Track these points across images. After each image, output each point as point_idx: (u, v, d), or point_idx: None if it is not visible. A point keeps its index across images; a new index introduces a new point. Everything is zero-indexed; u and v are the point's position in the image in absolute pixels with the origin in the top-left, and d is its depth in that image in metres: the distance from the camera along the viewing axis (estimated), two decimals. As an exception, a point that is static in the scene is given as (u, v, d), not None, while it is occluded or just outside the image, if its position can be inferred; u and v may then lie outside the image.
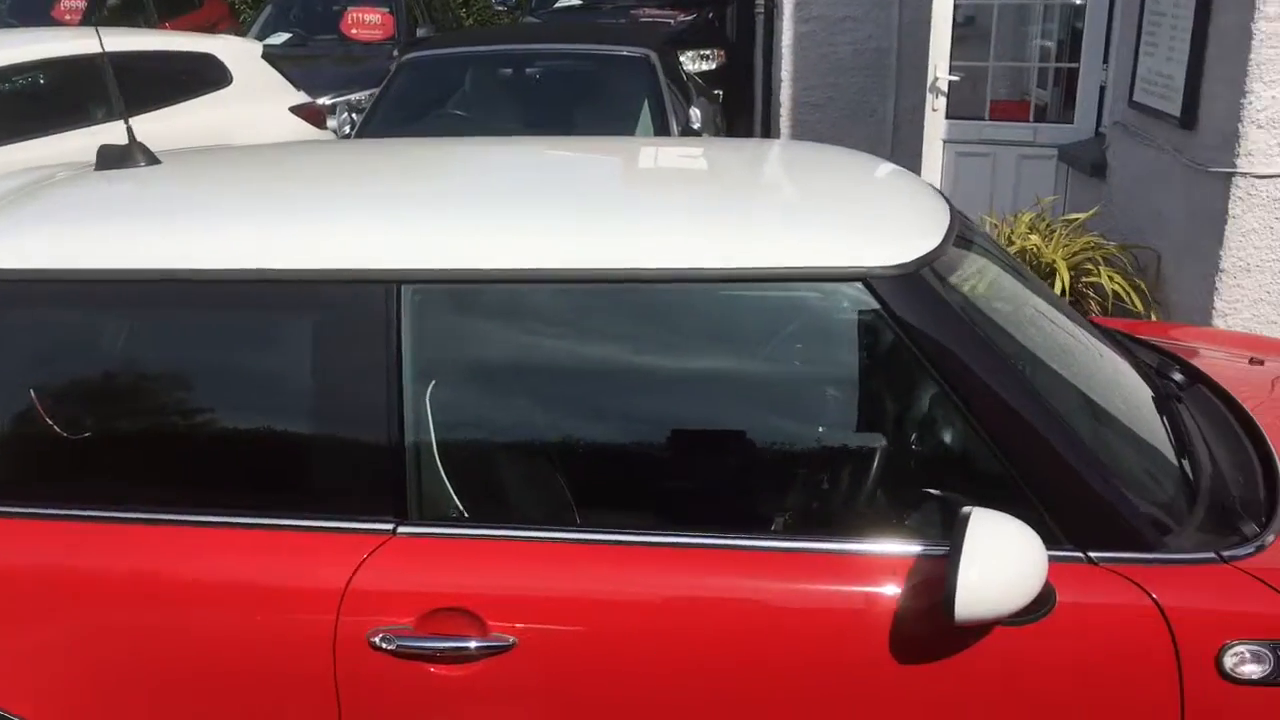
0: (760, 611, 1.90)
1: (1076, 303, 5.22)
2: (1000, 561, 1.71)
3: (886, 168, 2.59)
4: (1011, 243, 5.42)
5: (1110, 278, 5.19)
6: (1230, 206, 4.65)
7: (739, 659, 1.88)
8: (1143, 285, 5.25)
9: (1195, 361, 2.73)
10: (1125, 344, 2.71)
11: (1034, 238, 5.38)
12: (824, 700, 1.89)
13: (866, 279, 1.94)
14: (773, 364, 2.14)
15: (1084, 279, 5.28)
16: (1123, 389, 2.31)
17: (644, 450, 2.13)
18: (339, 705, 1.91)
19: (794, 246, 2.00)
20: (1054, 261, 5.20)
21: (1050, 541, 1.88)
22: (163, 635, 1.94)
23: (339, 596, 1.89)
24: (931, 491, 2.01)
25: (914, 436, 2.09)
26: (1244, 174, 4.60)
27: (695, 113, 5.94)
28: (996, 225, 5.65)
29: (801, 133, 8.46)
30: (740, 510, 2.09)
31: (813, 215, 2.17)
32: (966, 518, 1.75)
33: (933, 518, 2.02)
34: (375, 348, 1.94)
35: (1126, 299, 5.14)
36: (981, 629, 1.83)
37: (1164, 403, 2.35)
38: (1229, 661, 1.82)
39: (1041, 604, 1.84)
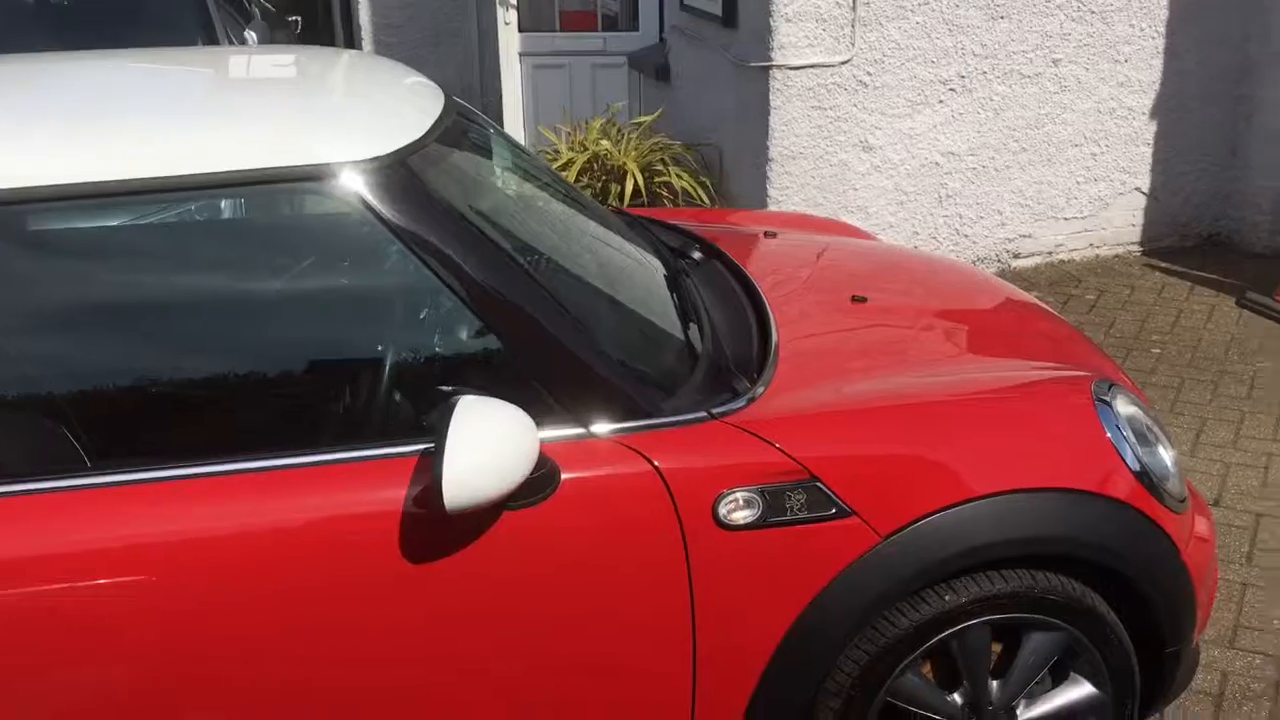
0: (268, 538, 1.80)
1: (653, 202, 5.41)
2: (486, 445, 1.70)
3: (386, 66, 2.50)
4: (585, 148, 5.52)
5: (679, 176, 5.41)
6: (771, 99, 4.95)
7: (253, 592, 1.78)
8: (709, 181, 5.51)
9: (717, 241, 2.86)
10: (647, 229, 2.80)
11: (605, 142, 5.51)
12: (350, 617, 1.83)
13: (344, 172, 1.86)
14: (264, 271, 2.02)
15: (656, 179, 5.47)
16: (631, 270, 2.37)
17: (129, 381, 1.94)
18: None
19: (268, 146, 1.88)
20: (625, 164, 5.34)
21: (554, 421, 1.91)
22: None
23: None
24: (443, 388, 1.97)
25: (420, 334, 2.05)
26: (779, 66, 4.89)
27: (251, 35, 5.58)
28: (570, 133, 5.73)
29: (383, 55, 8.23)
30: (249, 433, 1.96)
31: (293, 115, 2.06)
32: (451, 406, 1.73)
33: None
34: None
35: (695, 195, 5.39)
36: (486, 516, 1.83)
37: (673, 279, 2.45)
38: (723, 510, 1.93)
39: (544, 484, 1.86)
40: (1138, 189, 5.59)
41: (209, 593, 1.78)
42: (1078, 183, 5.49)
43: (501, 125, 6.81)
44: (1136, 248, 5.69)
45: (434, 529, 1.83)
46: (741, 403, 2.06)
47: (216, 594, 1.78)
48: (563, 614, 1.92)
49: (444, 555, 1.84)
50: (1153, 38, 5.32)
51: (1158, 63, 5.37)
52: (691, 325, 2.28)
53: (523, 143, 6.62)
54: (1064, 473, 2.11)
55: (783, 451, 1.97)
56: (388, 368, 1.98)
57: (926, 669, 2.18)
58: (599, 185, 5.46)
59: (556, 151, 5.63)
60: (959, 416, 2.14)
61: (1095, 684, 2.21)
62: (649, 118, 5.79)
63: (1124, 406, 2.27)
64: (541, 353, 1.91)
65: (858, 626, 2.04)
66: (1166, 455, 2.30)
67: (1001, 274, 5.32)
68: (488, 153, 2.37)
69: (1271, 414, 4.07)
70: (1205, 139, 5.57)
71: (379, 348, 2.00)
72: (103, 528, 1.76)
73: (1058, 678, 2.24)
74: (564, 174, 5.39)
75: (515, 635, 1.91)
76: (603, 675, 1.99)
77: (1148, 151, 5.52)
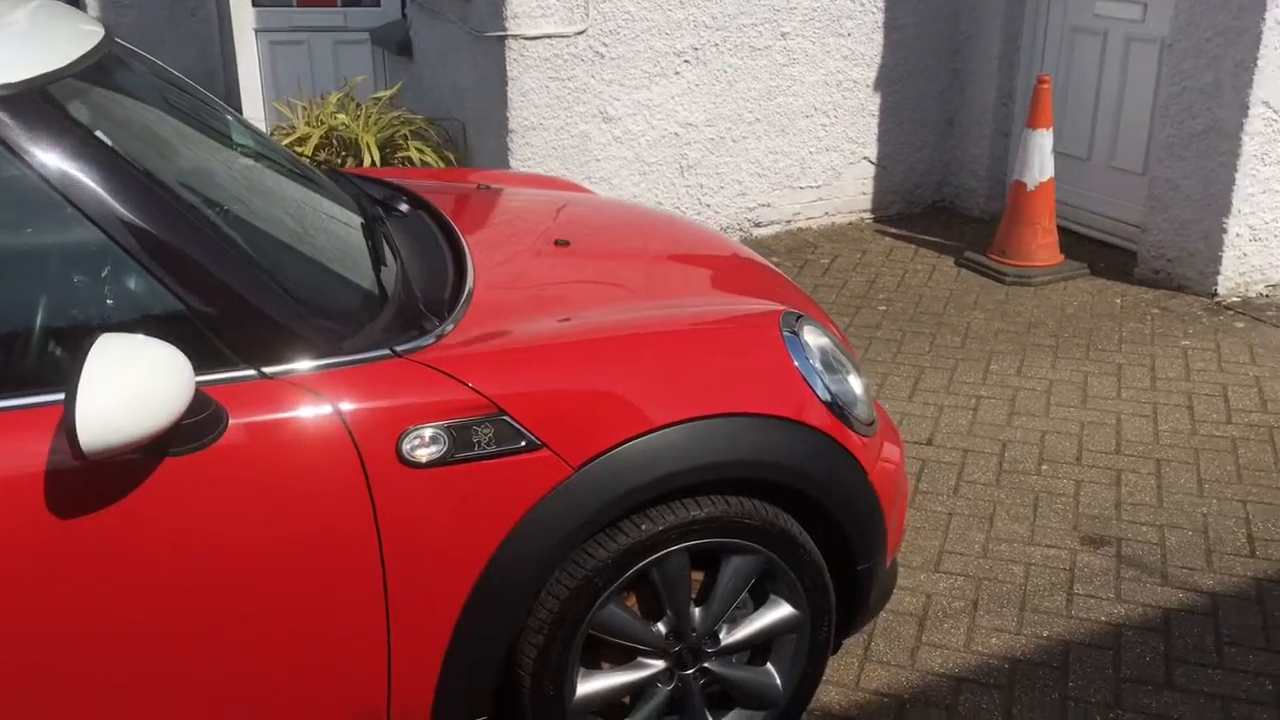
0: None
1: (395, 178, 5.29)
2: (126, 382, 1.60)
3: (50, 6, 2.32)
4: (322, 123, 5.36)
5: (420, 150, 5.31)
6: (508, 69, 4.92)
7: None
8: (452, 156, 5.44)
9: (429, 195, 2.81)
10: (352, 183, 2.73)
11: (342, 116, 5.36)
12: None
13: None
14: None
15: (398, 153, 5.36)
16: (316, 218, 2.30)
17: None
18: None
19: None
20: (361, 138, 5.21)
21: (220, 363, 1.83)
22: None
23: None
24: (107, 334, 1.84)
25: (69, 274, 1.91)
26: (514, 36, 4.87)
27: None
28: (306, 108, 5.55)
29: (119, 35, 7.74)
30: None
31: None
32: (90, 344, 1.62)
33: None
34: None
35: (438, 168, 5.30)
36: (143, 464, 1.73)
37: (369, 227, 2.38)
38: (407, 447, 1.88)
39: (209, 428, 1.77)
40: (866, 158, 5.86)
41: None
42: (811, 153, 5.71)
43: (240, 104, 6.53)
44: (868, 215, 5.96)
45: (86, 481, 1.71)
46: (429, 340, 2.02)
47: None
48: (239, 569, 1.83)
49: (99, 508, 1.72)
50: (873, 12, 5.58)
51: (879, 37, 5.64)
52: (383, 271, 2.23)
53: (261, 122, 6.37)
54: (753, 399, 2.17)
55: (469, 386, 1.94)
56: (37, 311, 1.84)
57: (630, 601, 2.20)
58: (337, 160, 5.31)
59: (293, 127, 5.44)
60: (647, 348, 2.17)
61: (793, 604, 2.28)
62: (389, 92, 5.67)
63: (812, 337, 2.36)
64: (202, 293, 1.81)
65: (555, 561, 2.04)
66: (855, 383, 2.40)
67: (744, 242, 5.48)
68: (159, 98, 2.24)
69: (981, 362, 4.34)
70: (925, 110, 5.90)
71: (24, 289, 1.86)
72: None
73: (758, 601, 2.31)
74: (300, 149, 5.21)
75: (187, 594, 1.81)
76: (286, 635, 1.91)
77: (874, 122, 5.80)
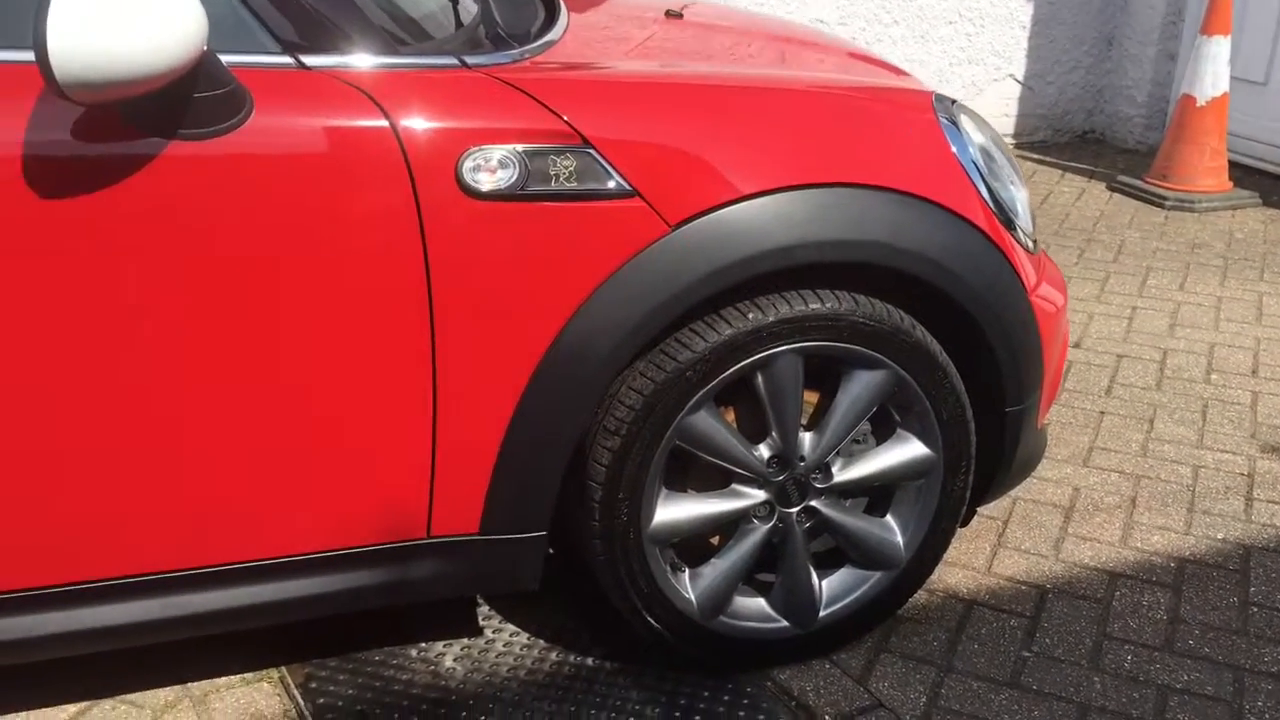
0: None
1: None
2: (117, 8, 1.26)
3: None
4: None
5: None
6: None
7: None
8: None
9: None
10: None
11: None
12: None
13: None
14: None
15: None
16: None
17: None
18: None
19: None
20: None
21: (254, 45, 1.50)
22: None
23: None
24: None
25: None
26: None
27: None
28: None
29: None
30: None
31: None
32: None
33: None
34: None
35: None
36: (148, 144, 1.40)
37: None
38: (468, 169, 1.52)
39: (229, 109, 1.43)
40: (1011, 75, 5.35)
41: None
42: (950, 64, 5.23)
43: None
44: (1009, 139, 5.46)
45: (80, 157, 1.39)
46: (505, 58, 1.67)
47: None
48: (241, 296, 1.49)
49: (91, 190, 1.40)
50: (1032, -90, 5.08)
51: (1037, -62, 5.14)
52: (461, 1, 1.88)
53: None
54: (897, 175, 1.76)
55: (549, 109, 1.57)
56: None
57: (729, 418, 1.82)
58: None
59: None
60: (767, 102, 1.77)
61: (925, 441, 1.87)
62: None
63: (973, 130, 1.94)
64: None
65: (640, 343, 1.66)
66: (1018, 192, 1.98)
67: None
68: None
69: (1137, 276, 3.83)
70: (1082, 25, 5.36)
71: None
72: None
73: (880, 437, 1.91)
74: None
75: (173, 310, 1.48)
76: (298, 401, 1.56)
77: (1023, 35, 5.29)
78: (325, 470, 1.61)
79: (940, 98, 1.95)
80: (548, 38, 1.80)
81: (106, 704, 1.80)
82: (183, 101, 1.40)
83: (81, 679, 1.84)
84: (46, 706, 1.79)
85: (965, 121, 1.93)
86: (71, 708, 1.79)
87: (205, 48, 1.35)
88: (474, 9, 1.83)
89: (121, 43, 1.25)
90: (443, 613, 2.03)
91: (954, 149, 1.85)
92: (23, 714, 1.77)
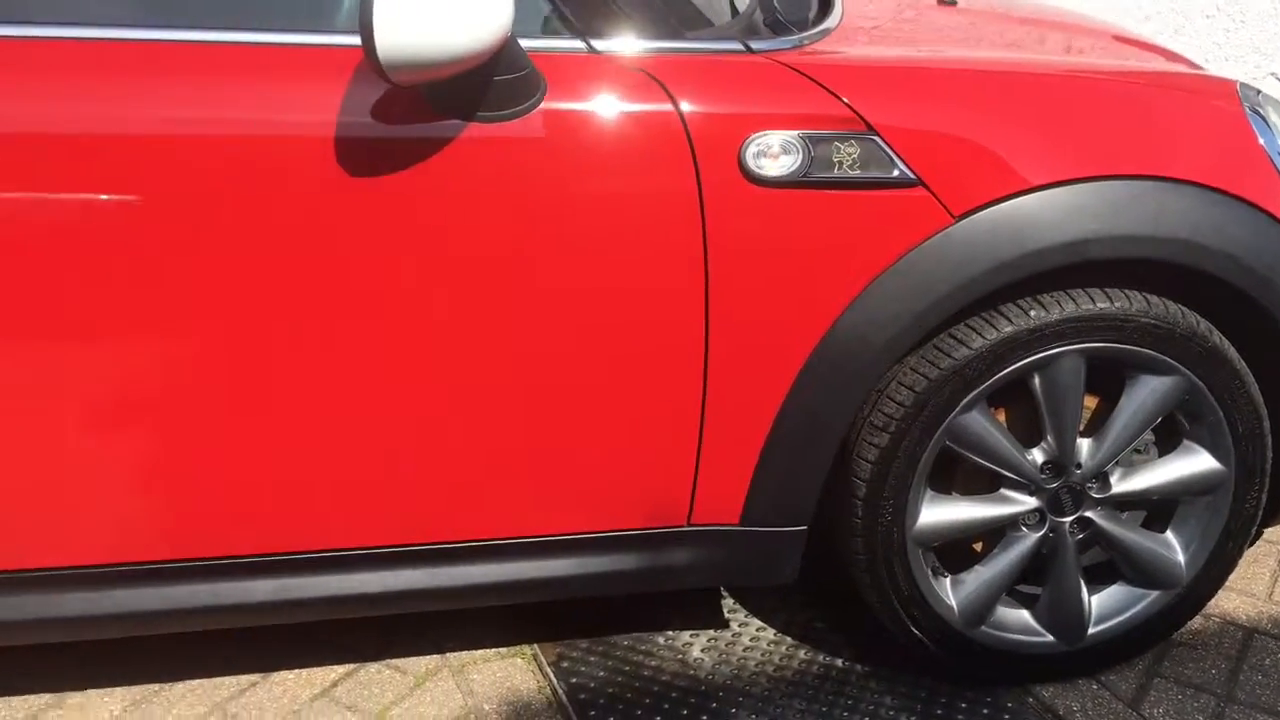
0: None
1: None
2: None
3: None
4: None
5: None
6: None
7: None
8: None
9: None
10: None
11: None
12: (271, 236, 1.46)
13: None
14: None
15: None
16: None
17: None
18: None
19: None
20: None
21: (546, 28, 1.53)
22: None
23: None
24: None
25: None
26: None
27: None
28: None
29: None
30: None
31: None
32: None
33: None
34: None
35: None
36: (451, 126, 1.44)
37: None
38: (751, 155, 1.50)
39: (523, 93, 1.46)
40: (1274, 75, 4.98)
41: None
42: (1206, 60, 4.91)
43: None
44: (1268, 142, 5.09)
45: (378, 141, 1.45)
46: (787, 43, 1.64)
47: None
48: (525, 273, 1.51)
49: (392, 172, 1.45)
50: (1307, -104, 4.72)
51: (1310, -75, 4.77)
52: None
53: None
54: (1199, 168, 1.65)
55: (834, 95, 1.54)
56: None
57: (1001, 418, 1.75)
58: None
59: None
60: (1066, 88, 1.68)
61: (1216, 455, 1.75)
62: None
63: None
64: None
65: (917, 336, 1.61)
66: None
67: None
68: None
69: None
70: (1358, 20, 4.95)
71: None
72: None
73: (1164, 449, 1.79)
74: None
75: (471, 298, 1.51)
76: (569, 380, 1.58)
77: (1290, 30, 4.92)
78: (596, 452, 1.63)
79: (1245, 86, 1.82)
80: (825, 25, 1.76)
81: (372, 667, 1.88)
82: (484, 83, 1.43)
83: (349, 643, 1.92)
84: (318, 665, 1.87)
85: (1272, 112, 1.80)
86: (340, 668, 1.87)
87: (511, 21, 1.38)
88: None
89: (443, 24, 1.29)
90: (687, 602, 2.03)
91: (1261, 141, 1.72)
92: (295, 671, 1.86)
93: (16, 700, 1.78)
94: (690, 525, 1.71)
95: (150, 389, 1.49)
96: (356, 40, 1.44)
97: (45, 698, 1.79)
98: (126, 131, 1.40)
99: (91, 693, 1.80)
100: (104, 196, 1.40)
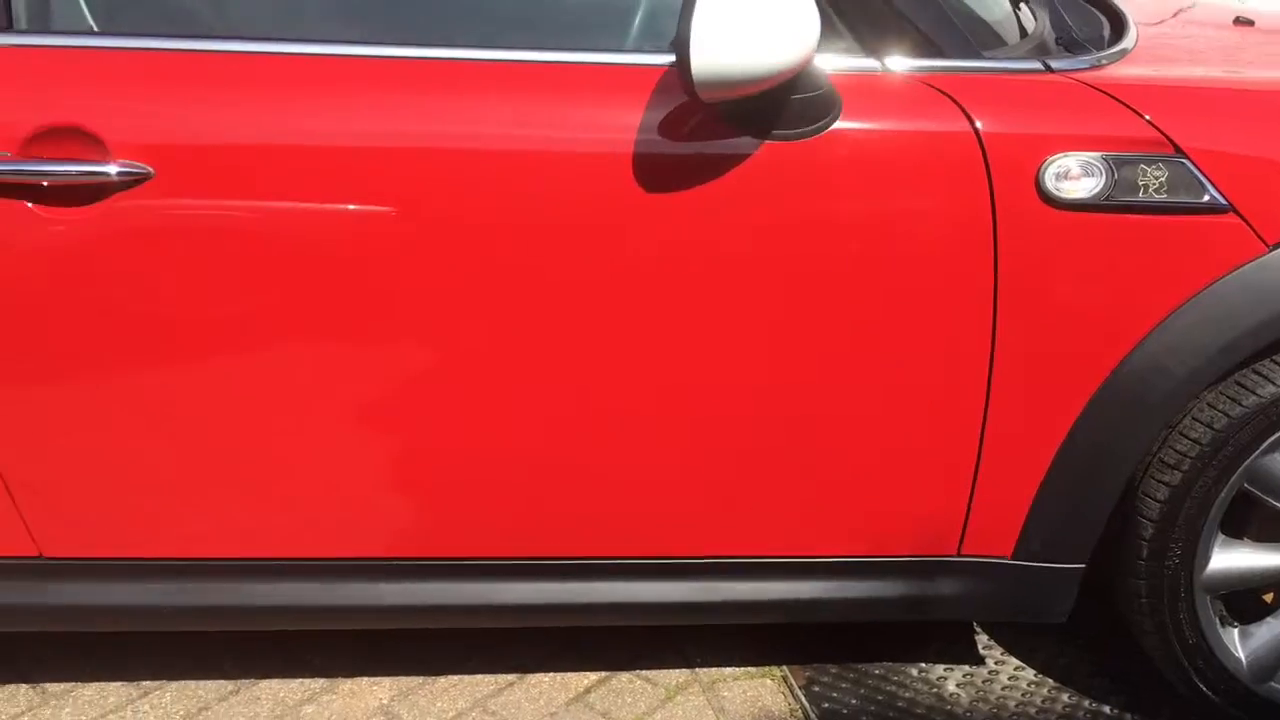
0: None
1: None
2: (748, 8, 1.30)
3: None
4: None
5: None
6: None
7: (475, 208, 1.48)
8: None
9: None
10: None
11: None
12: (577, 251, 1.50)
13: None
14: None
15: None
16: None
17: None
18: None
19: None
20: None
21: (839, 48, 1.52)
22: None
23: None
24: None
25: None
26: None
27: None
28: None
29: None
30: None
31: None
32: None
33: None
34: None
35: None
36: (748, 143, 1.45)
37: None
38: (1051, 177, 1.46)
39: (818, 111, 1.46)
40: None
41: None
42: None
43: None
44: None
45: (675, 157, 1.47)
46: (1086, 63, 1.59)
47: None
48: (813, 292, 1.51)
49: (686, 187, 1.47)
50: None
51: None
52: (1024, 8, 1.82)
53: None
54: None
55: (1140, 115, 1.48)
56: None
57: (1304, 462, 1.64)
58: None
59: None
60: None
61: None
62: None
63: None
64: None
65: (1218, 370, 1.53)
66: None
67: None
68: None
69: None
70: None
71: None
72: None
73: None
74: None
75: (747, 307, 1.51)
76: (852, 401, 1.56)
77: None
78: (869, 475, 1.61)
79: None
80: (1122, 45, 1.69)
81: (624, 676, 1.90)
82: (782, 101, 1.43)
83: (601, 651, 1.94)
84: (572, 670, 1.91)
85: None
86: (593, 675, 1.90)
87: (817, 42, 1.38)
88: (1041, 15, 1.76)
89: (756, 43, 1.30)
90: (938, 634, 1.97)
91: None
92: (550, 674, 1.90)
93: (294, 683, 1.88)
94: (960, 555, 1.66)
95: (474, 393, 1.54)
96: (644, 59, 1.48)
97: (320, 682, 1.88)
98: (443, 146, 1.46)
99: (362, 680, 1.89)
100: (423, 206, 1.47)
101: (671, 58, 1.45)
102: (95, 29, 1.53)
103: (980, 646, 1.96)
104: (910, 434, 1.58)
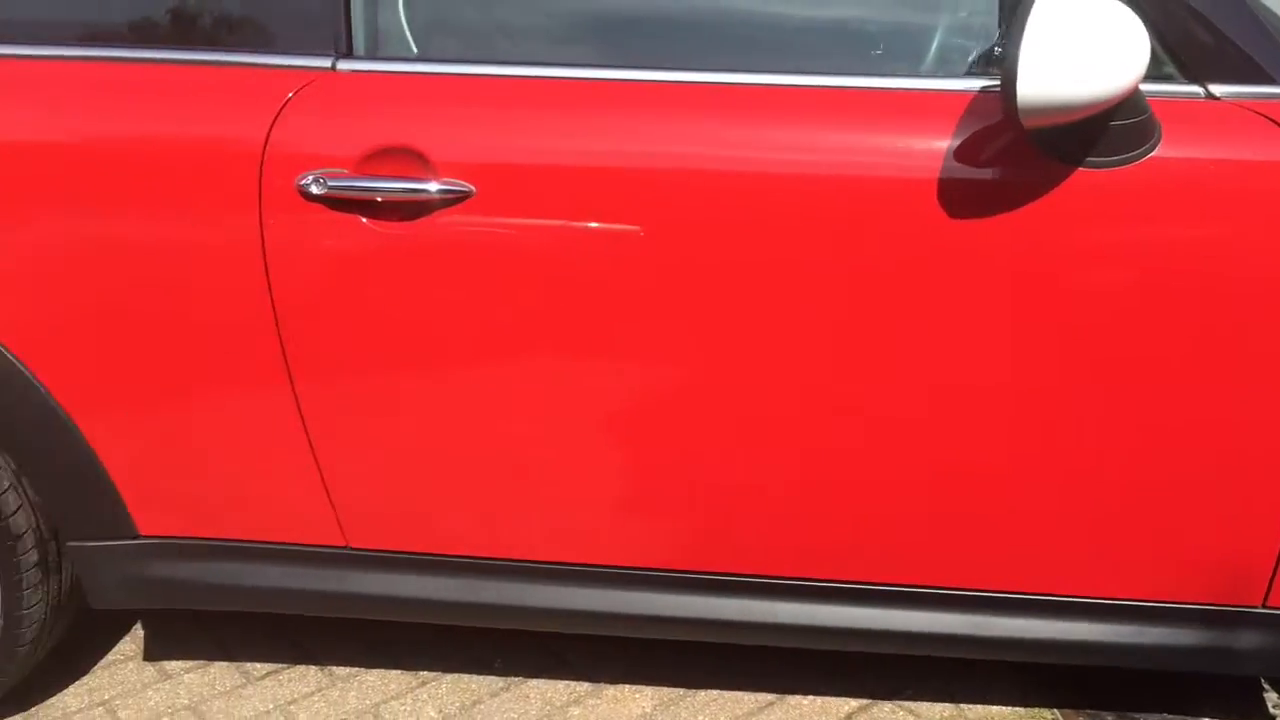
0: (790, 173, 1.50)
1: None
2: (1076, 32, 1.28)
3: None
4: None
5: None
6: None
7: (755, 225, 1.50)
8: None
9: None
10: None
11: None
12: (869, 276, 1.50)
13: None
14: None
15: None
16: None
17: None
18: (266, 268, 1.59)
19: None
20: None
21: (1162, 75, 1.46)
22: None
23: (263, 140, 1.56)
24: None
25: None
26: None
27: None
28: None
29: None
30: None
31: None
32: None
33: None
34: None
35: None
36: (1065, 171, 1.41)
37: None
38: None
39: (1137, 138, 1.41)
40: None
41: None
42: None
43: None
44: None
45: (979, 183, 1.45)
46: None
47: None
48: (1143, 329, 1.46)
49: (986, 215, 1.44)
50: None
51: None
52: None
53: None
54: None
55: None
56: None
57: None
58: None
59: None
60: None
61: None
62: None
63: None
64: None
65: None
66: None
67: None
68: None
69: None
70: None
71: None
72: None
73: None
74: None
75: (1066, 347, 1.48)
76: (1166, 431, 1.50)
77: None
78: (1174, 517, 1.54)
79: None
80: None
81: (886, 706, 1.88)
82: (1100, 128, 1.40)
83: (864, 679, 1.93)
84: (832, 695, 1.90)
85: None
86: (853, 702, 1.89)
87: (1145, 66, 1.34)
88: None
89: (1085, 69, 1.27)
90: (1221, 685, 1.87)
91: None
92: (810, 698, 1.90)
93: (560, 685, 1.94)
94: (1265, 607, 1.57)
95: (778, 420, 1.57)
96: (945, 84, 1.47)
97: (585, 685, 1.94)
98: (761, 170, 1.48)
99: (626, 687, 1.93)
100: (746, 230, 1.49)
101: (970, 82, 1.44)
102: (415, 53, 1.63)
103: (1270, 705, 1.85)
104: (1217, 477, 1.51)
